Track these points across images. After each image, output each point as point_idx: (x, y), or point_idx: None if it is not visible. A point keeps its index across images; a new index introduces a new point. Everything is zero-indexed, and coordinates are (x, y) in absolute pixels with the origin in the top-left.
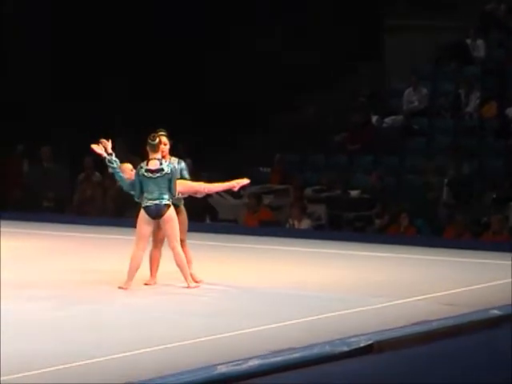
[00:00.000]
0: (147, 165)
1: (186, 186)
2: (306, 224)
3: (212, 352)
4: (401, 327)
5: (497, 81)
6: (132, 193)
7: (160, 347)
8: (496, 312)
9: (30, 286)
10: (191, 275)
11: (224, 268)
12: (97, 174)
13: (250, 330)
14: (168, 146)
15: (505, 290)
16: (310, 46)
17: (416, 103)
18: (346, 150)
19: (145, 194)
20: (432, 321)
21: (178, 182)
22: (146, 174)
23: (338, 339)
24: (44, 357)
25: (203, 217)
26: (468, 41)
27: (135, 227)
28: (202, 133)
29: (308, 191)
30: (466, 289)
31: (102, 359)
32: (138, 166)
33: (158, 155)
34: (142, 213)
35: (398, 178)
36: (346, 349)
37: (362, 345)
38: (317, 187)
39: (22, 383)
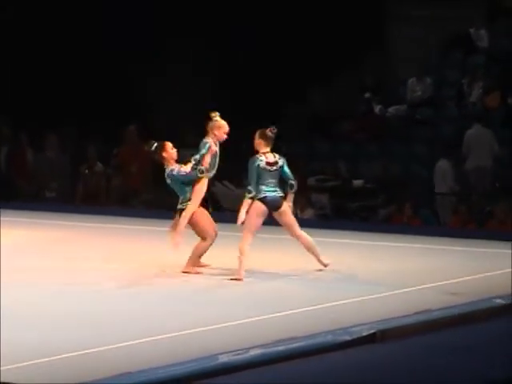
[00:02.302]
0: (266, 158)
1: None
2: (309, 213)
3: (214, 341)
4: (404, 316)
5: (501, 70)
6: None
7: (161, 336)
8: (500, 301)
9: (31, 274)
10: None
11: (226, 257)
12: (99, 164)
13: (252, 319)
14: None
15: (509, 279)
16: (315, 35)
17: (419, 93)
18: (351, 140)
19: (262, 187)
20: (435, 310)
21: None
22: (266, 166)
23: (340, 328)
24: (43, 346)
25: (206, 206)
26: (471, 30)
27: (140, 217)
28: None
29: (312, 180)
30: (469, 278)
31: (100, 349)
32: (256, 159)
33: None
34: (258, 204)
35: (402, 167)
36: (348, 338)
37: (364, 334)
38: (321, 176)
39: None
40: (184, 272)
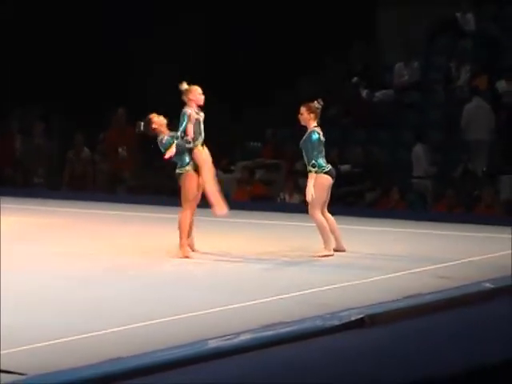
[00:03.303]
0: (320, 131)
1: None
2: (296, 199)
3: (203, 326)
4: (393, 301)
5: (488, 54)
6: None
7: (150, 322)
8: (489, 285)
9: (20, 260)
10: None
11: (215, 243)
12: (86, 149)
13: (241, 304)
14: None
15: (498, 263)
16: (303, 21)
17: (406, 77)
18: (338, 125)
19: (322, 160)
20: (424, 294)
21: None
22: (322, 139)
23: (329, 313)
24: (41, 330)
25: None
26: (458, 14)
27: (127, 203)
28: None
29: (299, 165)
30: (458, 262)
31: (91, 334)
32: (315, 132)
33: None
34: (325, 177)
35: (389, 152)
36: (337, 323)
37: (353, 319)
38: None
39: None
40: (184, 257)
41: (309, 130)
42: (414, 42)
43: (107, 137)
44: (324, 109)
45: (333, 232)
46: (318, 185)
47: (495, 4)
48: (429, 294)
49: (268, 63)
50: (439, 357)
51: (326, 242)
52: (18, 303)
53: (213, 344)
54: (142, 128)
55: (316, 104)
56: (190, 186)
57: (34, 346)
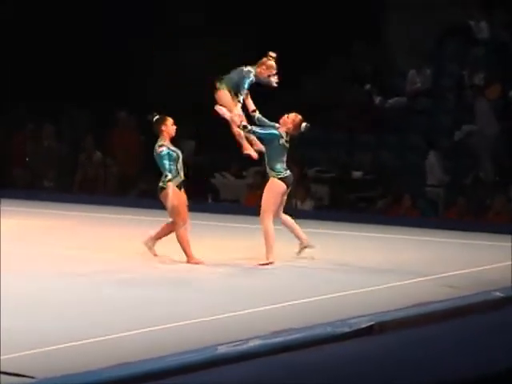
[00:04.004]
0: (286, 135)
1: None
2: (308, 204)
3: (212, 332)
4: (402, 309)
5: (501, 62)
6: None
7: (159, 327)
8: (498, 294)
9: (31, 263)
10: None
11: (225, 248)
12: (98, 153)
13: (251, 310)
14: None
15: (507, 271)
16: (312, 23)
17: (419, 84)
18: (349, 130)
19: (280, 165)
20: (433, 302)
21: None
22: (286, 144)
23: (338, 320)
24: (45, 335)
25: (205, 197)
26: (471, 22)
27: (138, 206)
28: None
29: (311, 172)
30: (467, 270)
31: (99, 339)
32: (278, 134)
33: None
34: (280, 183)
35: (401, 158)
36: (346, 330)
37: (362, 326)
38: (320, 168)
39: (21, 362)
40: (191, 263)
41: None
42: (425, 48)
43: (113, 140)
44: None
45: (293, 231)
46: (273, 190)
47: (509, 12)
48: (438, 302)
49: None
50: (447, 365)
51: (268, 250)
52: (19, 306)
53: (222, 350)
54: (154, 119)
55: (303, 125)
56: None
57: (42, 349)
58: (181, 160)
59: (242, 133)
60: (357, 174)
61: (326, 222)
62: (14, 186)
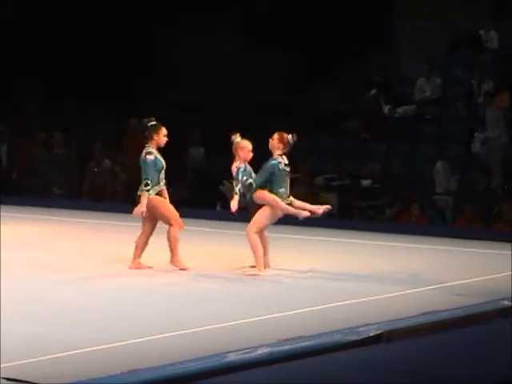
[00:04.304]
0: (283, 159)
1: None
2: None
3: (221, 340)
4: (411, 317)
5: (510, 70)
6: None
7: (168, 335)
8: (507, 302)
9: (40, 269)
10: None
11: (234, 256)
12: (106, 161)
13: (260, 318)
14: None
15: None
16: (324, 32)
17: (428, 93)
18: (359, 139)
19: (283, 190)
20: (442, 311)
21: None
22: (286, 168)
23: (347, 328)
24: (50, 342)
25: (214, 204)
26: (481, 32)
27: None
28: (217, 121)
29: (319, 179)
30: (476, 279)
31: (110, 346)
32: (274, 161)
33: None
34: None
35: (410, 167)
36: (355, 338)
37: (371, 334)
38: (328, 175)
39: (29, 368)
40: (179, 268)
41: (273, 157)
42: (434, 57)
43: (123, 147)
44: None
45: (264, 249)
46: (273, 211)
47: None
48: (446, 310)
49: (288, 75)
50: (456, 373)
51: (257, 261)
52: (27, 312)
53: (231, 357)
54: (148, 125)
55: (289, 138)
56: (160, 205)
57: (50, 356)
58: (163, 171)
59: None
60: (366, 183)
61: (334, 230)
62: (24, 193)
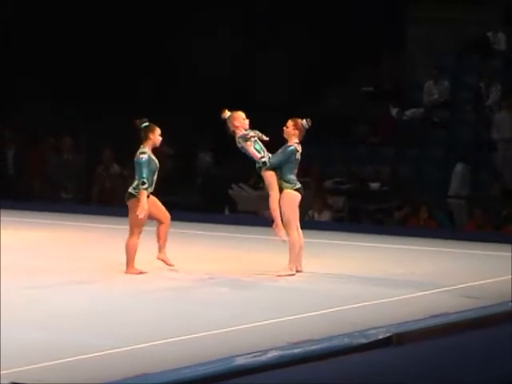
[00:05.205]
0: (299, 148)
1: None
2: (326, 216)
3: (230, 343)
4: (420, 320)
5: None
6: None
7: (177, 338)
8: None
9: (46, 274)
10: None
11: (243, 259)
12: (115, 165)
13: (269, 321)
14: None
15: None
16: (333, 36)
17: (436, 96)
18: (367, 142)
19: (293, 176)
20: (451, 313)
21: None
22: (298, 156)
23: (356, 331)
24: (59, 347)
25: (222, 208)
26: (489, 34)
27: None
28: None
29: (328, 183)
30: (486, 281)
31: (118, 350)
32: (293, 146)
33: None
34: (294, 193)
35: (418, 170)
36: (364, 341)
37: (380, 337)
38: (337, 179)
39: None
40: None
41: (288, 144)
42: (443, 60)
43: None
44: (352, 126)
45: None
46: (289, 201)
47: None
48: (456, 313)
49: (296, 79)
50: (466, 376)
51: (291, 260)
52: (33, 317)
53: (240, 361)
54: (142, 126)
55: (304, 123)
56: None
57: (56, 362)
58: (157, 172)
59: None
60: (374, 186)
61: (343, 234)
62: (33, 198)
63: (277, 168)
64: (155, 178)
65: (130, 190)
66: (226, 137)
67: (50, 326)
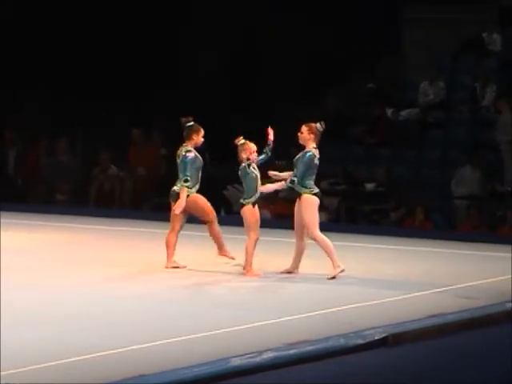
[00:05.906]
0: (317, 153)
1: None
2: (321, 217)
3: (226, 344)
4: (416, 320)
5: None
6: None
7: (173, 339)
8: None
9: (45, 276)
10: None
11: (237, 261)
12: (113, 167)
13: (265, 322)
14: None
15: None
16: (329, 38)
17: (432, 96)
18: (363, 143)
19: (312, 181)
20: (447, 314)
21: None
22: (317, 162)
23: (352, 332)
24: (58, 348)
25: (218, 209)
26: (484, 34)
27: (152, 219)
28: (224, 125)
29: (324, 184)
30: (481, 282)
31: (116, 351)
32: (311, 152)
33: None
34: (314, 198)
35: (414, 171)
36: (360, 341)
37: (376, 337)
38: (333, 180)
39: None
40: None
41: (306, 150)
42: (439, 61)
43: (129, 156)
44: (349, 127)
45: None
46: (309, 205)
47: None
48: (452, 313)
49: (294, 81)
50: (462, 376)
51: (333, 260)
52: (32, 319)
53: (236, 362)
54: (187, 124)
55: (318, 126)
56: (199, 201)
57: (55, 362)
58: (201, 171)
59: None
60: (370, 186)
61: (338, 234)
62: (29, 200)
63: (303, 178)
64: (200, 174)
65: (175, 187)
66: (221, 138)
67: (50, 327)
